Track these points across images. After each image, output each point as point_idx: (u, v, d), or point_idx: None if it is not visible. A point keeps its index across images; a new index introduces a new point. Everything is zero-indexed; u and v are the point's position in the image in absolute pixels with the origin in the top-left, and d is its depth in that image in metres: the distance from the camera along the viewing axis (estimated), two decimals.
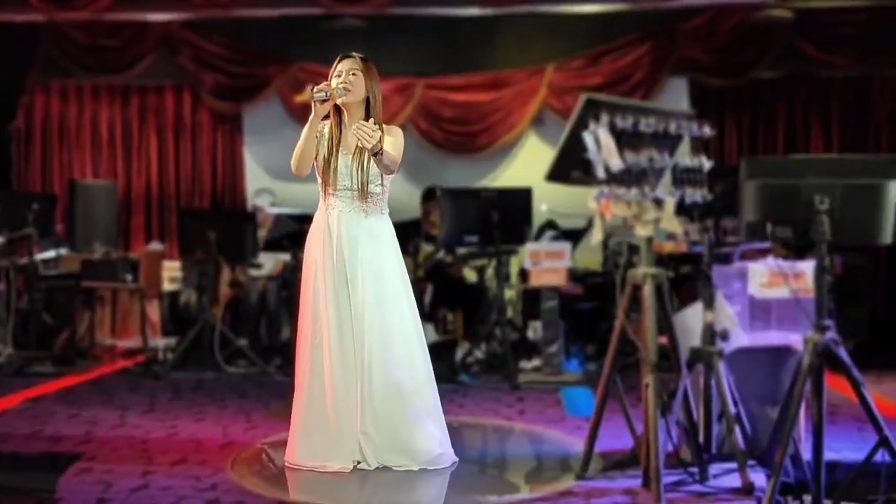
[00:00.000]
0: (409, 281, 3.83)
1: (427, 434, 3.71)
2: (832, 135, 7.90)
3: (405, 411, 3.68)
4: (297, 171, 3.73)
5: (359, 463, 3.68)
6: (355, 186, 3.71)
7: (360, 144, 3.57)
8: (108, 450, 4.10)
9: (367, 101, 3.74)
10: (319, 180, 3.78)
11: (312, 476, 3.66)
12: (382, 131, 3.64)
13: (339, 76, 3.72)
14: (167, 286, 6.92)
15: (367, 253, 3.71)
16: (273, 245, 6.76)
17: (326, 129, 3.77)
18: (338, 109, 3.75)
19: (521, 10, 7.40)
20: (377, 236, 3.75)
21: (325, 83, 3.67)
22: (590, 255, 6.85)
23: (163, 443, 4.25)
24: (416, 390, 3.72)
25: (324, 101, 3.62)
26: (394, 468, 3.66)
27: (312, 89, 3.62)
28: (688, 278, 5.84)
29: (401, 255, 3.83)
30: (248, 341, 6.73)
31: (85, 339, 6.75)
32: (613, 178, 3.13)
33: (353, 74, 3.71)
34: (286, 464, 3.74)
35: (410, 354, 3.73)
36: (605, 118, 3.10)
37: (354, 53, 3.79)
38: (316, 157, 3.75)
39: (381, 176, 3.73)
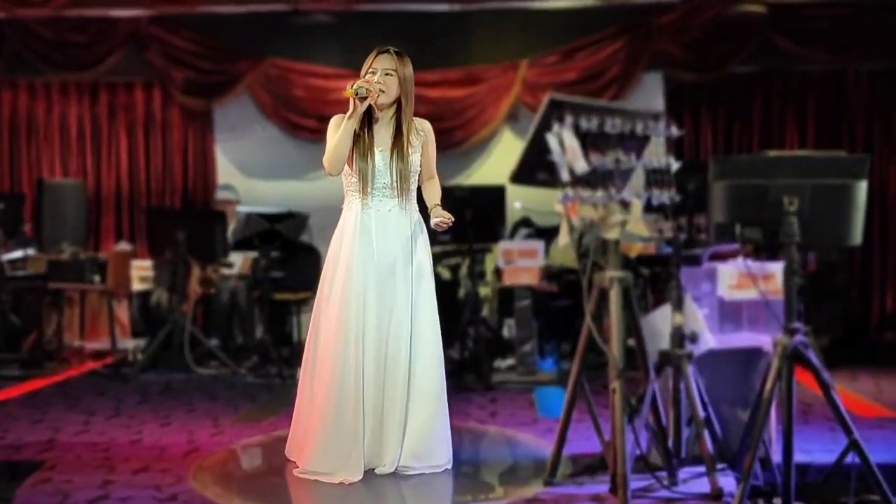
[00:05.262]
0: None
1: (445, 437, 3.69)
2: (807, 130, 7.87)
3: (436, 414, 3.65)
4: (330, 170, 3.64)
5: (372, 469, 3.60)
6: (395, 184, 3.66)
7: (439, 228, 3.62)
8: (70, 458, 4.02)
9: (398, 101, 3.67)
10: (353, 180, 3.68)
11: (276, 485, 3.60)
12: (410, 131, 3.64)
13: (375, 73, 3.63)
14: (137, 286, 6.82)
15: (413, 249, 3.67)
16: (244, 244, 6.66)
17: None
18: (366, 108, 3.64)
19: (491, 6, 7.32)
20: (418, 234, 3.72)
21: (363, 80, 3.60)
22: (566, 253, 6.79)
23: (126, 450, 4.16)
24: (442, 391, 3.69)
25: (363, 98, 3.55)
26: (405, 473, 3.59)
27: (353, 85, 3.55)
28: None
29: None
30: (220, 341, 6.65)
31: (53, 341, 6.63)
32: (579, 180, 3.07)
33: (388, 75, 3.62)
34: (299, 473, 3.60)
35: (440, 354, 3.70)
36: (569, 119, 3.05)
37: (391, 49, 3.67)
38: (348, 160, 3.66)
39: (415, 172, 3.69)
